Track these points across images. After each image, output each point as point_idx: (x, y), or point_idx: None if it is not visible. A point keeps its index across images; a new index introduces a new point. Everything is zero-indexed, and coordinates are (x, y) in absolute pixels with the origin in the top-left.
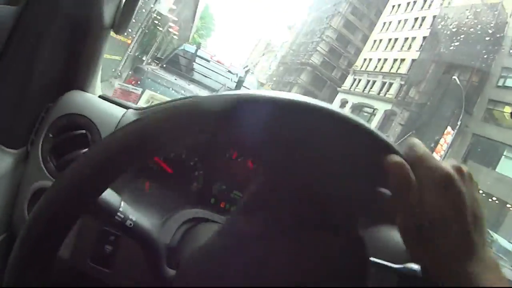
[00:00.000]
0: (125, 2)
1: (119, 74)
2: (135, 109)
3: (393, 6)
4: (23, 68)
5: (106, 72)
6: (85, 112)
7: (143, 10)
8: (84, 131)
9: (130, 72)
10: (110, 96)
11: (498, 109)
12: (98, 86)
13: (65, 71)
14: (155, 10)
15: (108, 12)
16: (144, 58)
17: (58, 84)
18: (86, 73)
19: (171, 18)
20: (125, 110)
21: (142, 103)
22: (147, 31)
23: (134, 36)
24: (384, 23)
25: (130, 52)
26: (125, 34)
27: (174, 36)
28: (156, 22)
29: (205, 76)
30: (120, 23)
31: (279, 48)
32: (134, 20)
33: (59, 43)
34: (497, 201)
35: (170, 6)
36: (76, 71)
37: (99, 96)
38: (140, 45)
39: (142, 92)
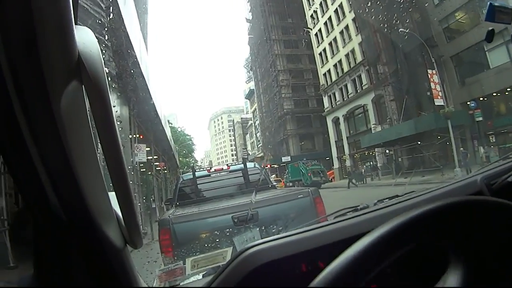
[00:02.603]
0: (124, 219)
1: (145, 233)
2: None
3: (312, 16)
4: None
5: None
6: None
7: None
8: None
9: (158, 228)
10: None
11: (452, 22)
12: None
13: None
14: (136, 162)
15: (114, 235)
16: (154, 206)
17: None
18: None
19: (152, 159)
20: None
21: (188, 271)
22: (141, 183)
23: (134, 195)
24: (316, 34)
25: (140, 210)
26: None
27: (165, 171)
28: (143, 170)
29: (219, 188)
30: (132, 238)
31: (253, 119)
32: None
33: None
34: None
35: (146, 151)
36: None
37: None
38: (144, 198)
39: (184, 262)
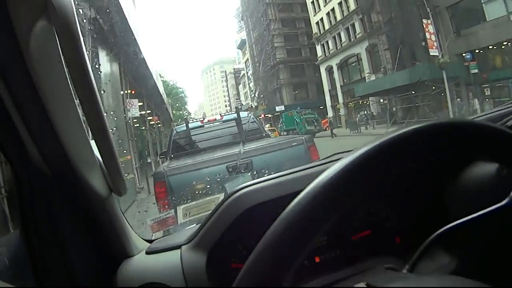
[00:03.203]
0: (106, 167)
1: (141, 188)
2: (186, 242)
3: None
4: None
5: (131, 192)
6: (148, 278)
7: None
8: None
9: (153, 181)
10: (154, 247)
11: None
12: (138, 240)
13: (100, 250)
14: (129, 118)
15: (98, 184)
16: (149, 160)
17: (103, 263)
18: (119, 240)
19: (145, 114)
20: (178, 250)
21: (181, 220)
22: (136, 138)
23: (128, 150)
24: None
25: (136, 165)
26: (124, 152)
27: (159, 125)
28: (137, 125)
29: (213, 139)
30: (116, 186)
31: (245, 69)
32: (120, 140)
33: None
34: (509, 43)
35: (139, 105)
36: (110, 244)
37: (147, 252)
38: (139, 152)
39: (175, 211)
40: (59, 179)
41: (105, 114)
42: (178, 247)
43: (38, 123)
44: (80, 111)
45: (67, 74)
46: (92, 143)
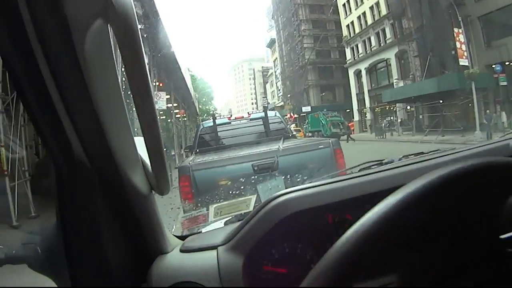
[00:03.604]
0: (152, 164)
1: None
2: (222, 244)
3: None
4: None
5: None
6: (183, 277)
7: None
8: None
9: (178, 175)
10: (189, 245)
11: None
12: (171, 238)
13: (135, 246)
14: (157, 110)
15: (139, 181)
16: (173, 153)
17: (137, 258)
18: (154, 237)
19: (172, 107)
20: (214, 251)
21: (211, 219)
22: (161, 130)
23: None
24: None
25: None
26: None
27: (185, 119)
28: (163, 118)
29: (239, 136)
30: (159, 185)
31: (273, 68)
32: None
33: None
34: None
35: (166, 98)
36: (145, 240)
37: (181, 250)
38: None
39: (207, 209)
40: (99, 173)
41: (158, 116)
42: (214, 247)
43: (83, 118)
44: (126, 108)
45: (117, 72)
46: (136, 140)
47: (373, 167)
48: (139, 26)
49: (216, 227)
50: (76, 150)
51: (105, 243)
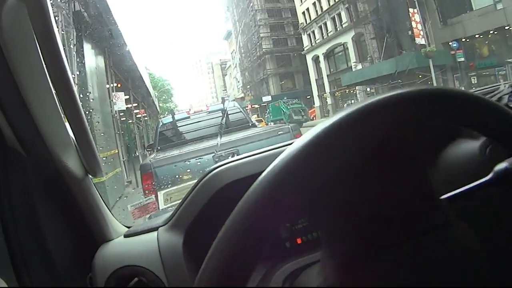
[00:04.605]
0: (80, 148)
1: (129, 181)
2: (163, 224)
3: None
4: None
5: (119, 187)
6: (125, 261)
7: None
8: (139, 279)
9: (140, 173)
10: (133, 230)
11: None
12: (116, 225)
13: (78, 233)
14: (116, 111)
15: (73, 164)
16: (137, 153)
17: (81, 248)
18: (97, 224)
19: (131, 107)
20: (155, 232)
21: (162, 206)
22: (122, 131)
23: (116, 143)
24: None
25: (123, 159)
26: (110, 146)
27: (146, 118)
28: (124, 119)
29: (199, 130)
30: (91, 167)
31: (232, 60)
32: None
33: (55, 212)
34: (495, 32)
35: (125, 99)
36: (88, 227)
37: (125, 236)
38: (126, 146)
39: (156, 196)
40: (34, 160)
41: (79, 97)
42: (155, 229)
43: (12, 103)
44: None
45: (40, 55)
46: (67, 124)
47: None
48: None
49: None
50: (8, 137)
51: (46, 232)
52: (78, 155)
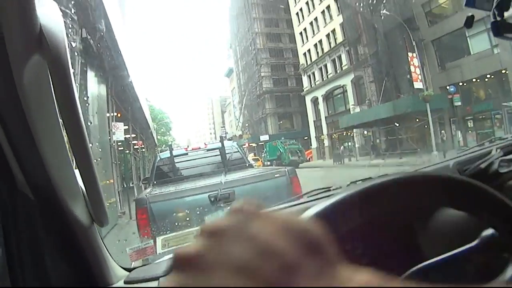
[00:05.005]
0: (88, 197)
1: (123, 212)
2: (164, 274)
3: None
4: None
5: (112, 217)
6: None
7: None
8: None
9: (135, 207)
10: (133, 277)
11: (434, 6)
12: (117, 269)
13: (80, 278)
14: (114, 141)
15: (81, 213)
16: (132, 184)
17: None
18: (98, 269)
19: (129, 138)
20: (156, 282)
21: (159, 250)
22: (119, 161)
23: (111, 173)
24: (297, 13)
25: (118, 189)
26: (106, 176)
27: (143, 150)
28: (121, 149)
29: (196, 167)
30: (98, 216)
31: (231, 97)
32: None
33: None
34: (492, 76)
35: (124, 129)
36: (90, 272)
37: (125, 282)
38: (122, 176)
39: (154, 241)
40: (42, 206)
41: (90, 145)
42: (156, 278)
43: (25, 150)
44: (67, 141)
45: (56, 107)
46: (77, 172)
47: (320, 194)
48: (91, 62)
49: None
50: (19, 181)
51: (49, 276)
52: (85, 203)
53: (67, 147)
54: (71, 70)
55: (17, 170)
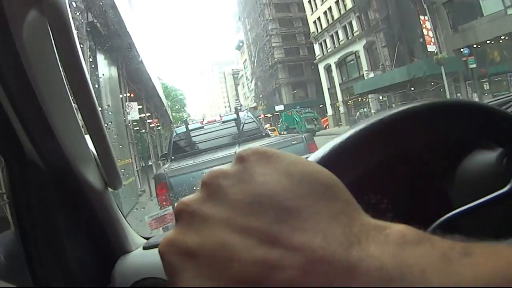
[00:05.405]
0: (100, 160)
1: (143, 191)
2: None
3: None
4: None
5: (133, 196)
6: (145, 273)
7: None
8: None
9: (154, 183)
10: (152, 242)
11: None
12: (135, 237)
13: (97, 246)
14: (129, 121)
15: (93, 177)
16: (150, 163)
17: (100, 260)
18: (116, 236)
19: (145, 117)
20: None
21: None
22: (136, 141)
23: (129, 153)
24: None
25: (137, 168)
26: (121, 157)
27: (159, 128)
28: (137, 128)
29: (213, 139)
30: (111, 179)
31: (244, 70)
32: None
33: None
34: (506, 37)
35: (138, 108)
36: (107, 240)
37: (144, 248)
38: (140, 155)
39: (173, 207)
40: (54, 174)
41: (99, 109)
42: None
43: (32, 117)
44: (74, 105)
45: (61, 68)
46: (87, 137)
47: None
48: (101, 44)
49: None
50: (28, 150)
51: (66, 245)
52: (98, 167)
53: (75, 113)
54: (73, 28)
55: (25, 139)
